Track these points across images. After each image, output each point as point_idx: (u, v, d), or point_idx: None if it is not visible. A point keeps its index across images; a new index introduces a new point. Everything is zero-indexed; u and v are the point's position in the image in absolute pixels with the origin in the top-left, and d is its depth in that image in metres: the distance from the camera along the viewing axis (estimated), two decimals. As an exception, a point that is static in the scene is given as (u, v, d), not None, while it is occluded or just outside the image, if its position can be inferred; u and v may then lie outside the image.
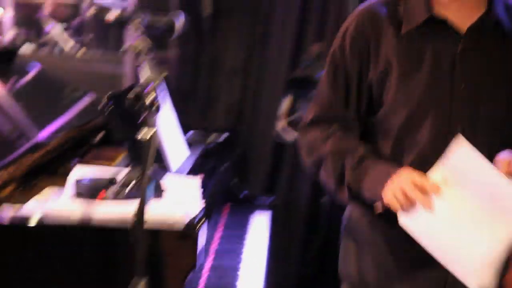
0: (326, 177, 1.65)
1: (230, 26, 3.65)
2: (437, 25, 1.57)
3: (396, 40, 1.59)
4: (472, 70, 1.57)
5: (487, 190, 1.46)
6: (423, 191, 1.45)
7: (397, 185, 1.48)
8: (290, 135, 3.07)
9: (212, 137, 2.64)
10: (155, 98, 1.47)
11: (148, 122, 1.46)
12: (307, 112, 1.73)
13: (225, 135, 2.68)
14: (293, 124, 3.01)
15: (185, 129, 2.46)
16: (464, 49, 1.56)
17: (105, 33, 3.93)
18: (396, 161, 1.59)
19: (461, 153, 1.45)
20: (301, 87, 2.97)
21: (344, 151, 1.61)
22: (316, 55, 2.99)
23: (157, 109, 1.47)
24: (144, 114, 1.46)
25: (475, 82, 1.57)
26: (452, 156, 1.45)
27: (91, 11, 3.52)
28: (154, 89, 1.48)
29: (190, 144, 2.47)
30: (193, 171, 2.22)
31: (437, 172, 1.47)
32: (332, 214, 3.19)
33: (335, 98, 1.66)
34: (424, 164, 1.51)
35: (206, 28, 3.65)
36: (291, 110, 3.06)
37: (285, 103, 3.06)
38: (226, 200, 2.65)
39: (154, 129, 1.46)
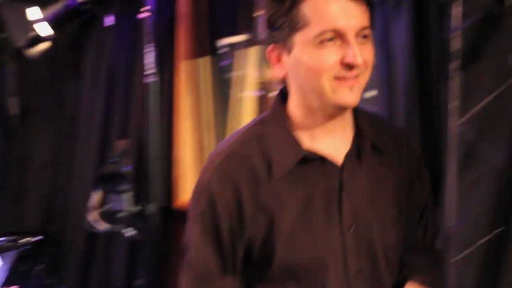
0: None
1: (37, 124, 3.51)
2: (313, 161, 1.26)
3: (271, 185, 1.24)
4: (358, 201, 1.28)
5: None
6: None
7: None
8: (102, 226, 2.95)
9: (24, 241, 2.45)
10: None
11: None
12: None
13: (38, 238, 2.51)
14: (103, 216, 2.91)
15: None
16: (346, 179, 1.27)
17: None
18: None
19: None
20: (109, 181, 2.88)
21: None
22: (122, 151, 2.93)
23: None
24: None
25: (363, 215, 1.28)
26: None
27: None
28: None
29: (2, 250, 2.27)
30: (8, 281, 2.03)
31: None
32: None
33: (210, 266, 1.28)
34: None
35: (14, 126, 3.46)
36: (102, 203, 2.95)
37: (95, 197, 2.94)
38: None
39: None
